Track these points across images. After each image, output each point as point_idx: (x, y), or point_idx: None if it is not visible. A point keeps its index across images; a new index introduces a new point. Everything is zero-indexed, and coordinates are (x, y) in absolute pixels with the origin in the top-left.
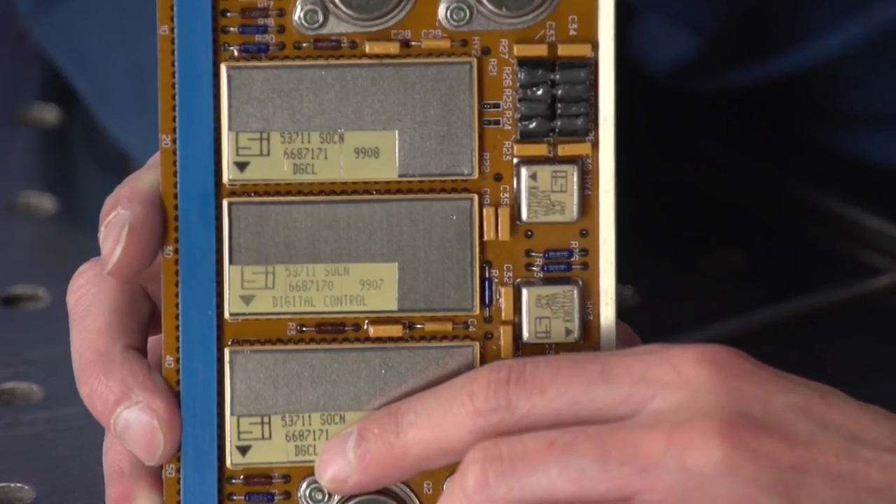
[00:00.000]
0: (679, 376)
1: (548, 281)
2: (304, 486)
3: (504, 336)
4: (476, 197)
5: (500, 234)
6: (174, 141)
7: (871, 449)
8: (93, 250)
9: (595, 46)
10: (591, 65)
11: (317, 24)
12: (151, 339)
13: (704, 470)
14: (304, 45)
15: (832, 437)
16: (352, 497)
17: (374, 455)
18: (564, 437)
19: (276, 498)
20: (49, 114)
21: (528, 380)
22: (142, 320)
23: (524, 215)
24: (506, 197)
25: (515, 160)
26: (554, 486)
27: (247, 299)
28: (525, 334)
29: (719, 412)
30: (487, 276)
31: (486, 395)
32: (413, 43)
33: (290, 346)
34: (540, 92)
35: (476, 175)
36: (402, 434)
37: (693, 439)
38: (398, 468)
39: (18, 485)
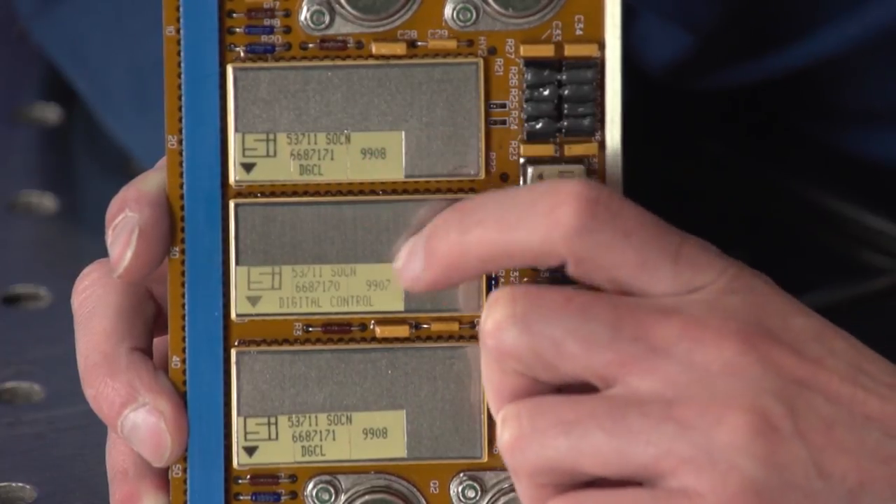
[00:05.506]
0: (726, 281)
1: (553, 281)
2: (310, 486)
3: None
4: None
5: None
6: (180, 142)
7: (872, 380)
8: (94, 250)
9: (601, 46)
10: (598, 65)
11: (323, 25)
12: (157, 341)
13: (711, 367)
14: (311, 45)
15: (838, 361)
16: (359, 497)
17: (439, 252)
18: (583, 297)
19: (282, 498)
20: (50, 113)
21: (616, 213)
22: (147, 322)
23: None
24: None
25: (522, 160)
26: (562, 342)
27: (253, 300)
28: None
29: (737, 317)
30: (493, 276)
31: (572, 210)
32: (419, 43)
33: (297, 347)
34: (546, 92)
35: (482, 175)
36: (466, 232)
37: (706, 336)
38: (462, 267)
39: (20, 484)
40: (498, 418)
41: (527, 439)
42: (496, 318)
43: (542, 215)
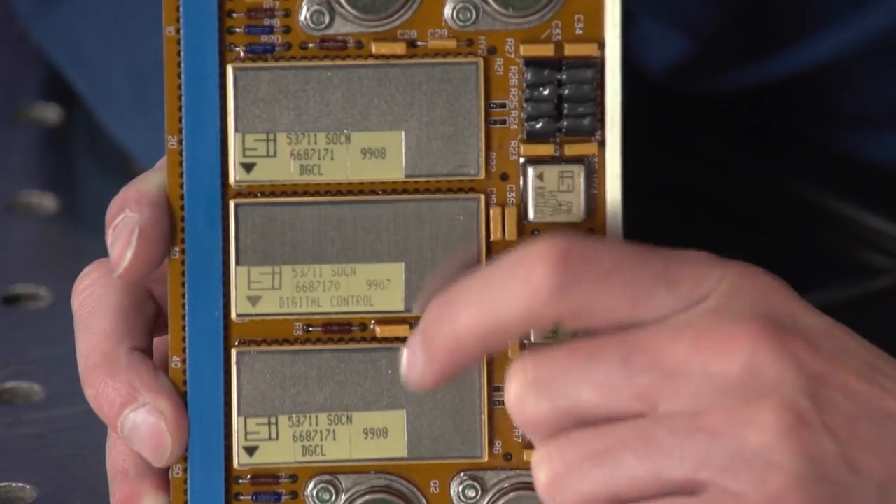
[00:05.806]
0: (728, 284)
1: None
2: (311, 485)
3: None
4: (482, 197)
5: (506, 234)
6: (180, 142)
7: (887, 378)
8: (94, 250)
9: (601, 46)
10: (598, 64)
11: (323, 25)
12: (157, 341)
13: (730, 373)
14: (311, 45)
15: (853, 359)
16: (360, 496)
17: (436, 344)
18: (588, 344)
19: (282, 498)
20: (50, 113)
21: (590, 259)
22: (147, 322)
23: (531, 215)
24: (512, 197)
25: (522, 160)
26: (579, 394)
27: (253, 300)
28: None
29: (748, 316)
30: None
31: (545, 270)
32: (419, 43)
33: (297, 347)
34: (546, 92)
35: (482, 175)
36: (455, 318)
37: (719, 344)
38: (462, 354)
39: (20, 484)
40: (532, 464)
41: (562, 478)
42: (514, 390)
43: (520, 284)
